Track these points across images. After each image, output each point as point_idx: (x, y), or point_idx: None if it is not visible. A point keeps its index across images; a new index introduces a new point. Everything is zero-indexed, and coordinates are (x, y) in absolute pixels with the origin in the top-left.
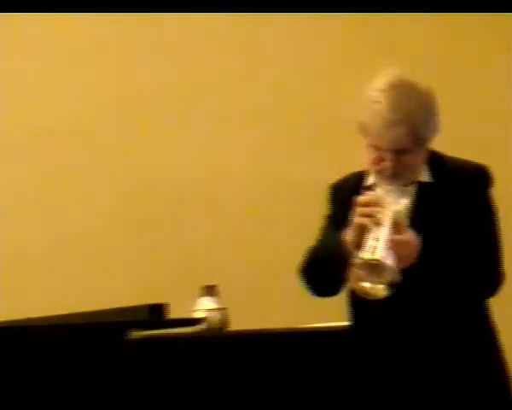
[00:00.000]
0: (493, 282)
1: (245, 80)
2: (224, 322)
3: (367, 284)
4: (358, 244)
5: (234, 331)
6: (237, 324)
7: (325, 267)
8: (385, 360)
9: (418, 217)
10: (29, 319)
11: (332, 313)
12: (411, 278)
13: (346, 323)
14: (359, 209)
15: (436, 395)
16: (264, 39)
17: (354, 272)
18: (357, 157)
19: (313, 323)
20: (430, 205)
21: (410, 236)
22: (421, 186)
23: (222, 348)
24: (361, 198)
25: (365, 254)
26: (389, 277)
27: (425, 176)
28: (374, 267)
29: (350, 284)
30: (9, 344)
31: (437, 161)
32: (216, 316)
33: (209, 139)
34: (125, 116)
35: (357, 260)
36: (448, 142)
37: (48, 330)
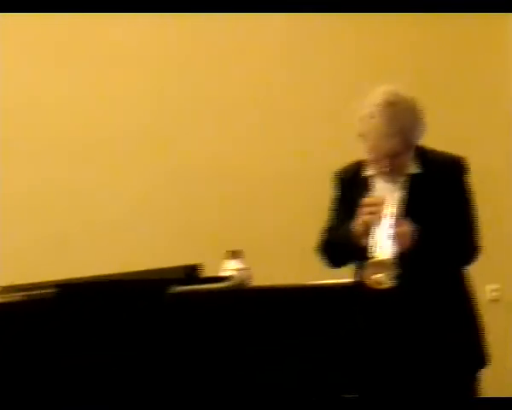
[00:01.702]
0: (472, 251)
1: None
2: (246, 279)
3: (376, 277)
4: (365, 235)
5: (255, 286)
6: (258, 281)
7: (339, 250)
8: (384, 311)
9: (411, 203)
10: (93, 276)
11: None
12: (409, 255)
13: (348, 280)
14: (365, 209)
15: (426, 339)
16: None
17: (366, 270)
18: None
19: (318, 280)
20: (421, 193)
21: (406, 226)
22: (412, 177)
23: (245, 300)
24: (366, 200)
25: (374, 255)
26: (392, 271)
27: (414, 168)
28: (381, 264)
29: (362, 278)
30: (77, 298)
31: (422, 154)
32: (240, 274)
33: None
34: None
35: (368, 262)
36: (445, 138)
37: (107, 285)
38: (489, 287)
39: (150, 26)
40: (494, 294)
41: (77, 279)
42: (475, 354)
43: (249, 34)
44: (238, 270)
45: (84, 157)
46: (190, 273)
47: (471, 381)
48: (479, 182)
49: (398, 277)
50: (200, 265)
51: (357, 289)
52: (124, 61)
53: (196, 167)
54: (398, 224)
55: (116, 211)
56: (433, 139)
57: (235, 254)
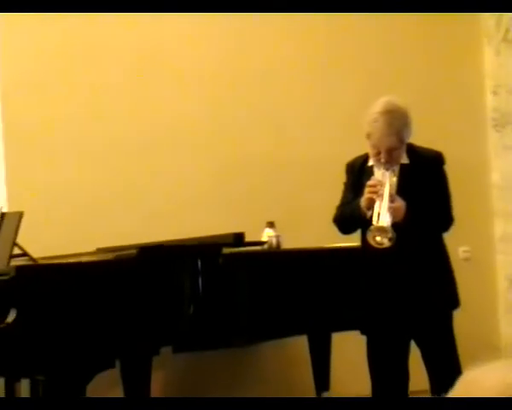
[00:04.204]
0: (448, 221)
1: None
2: (278, 243)
3: (378, 239)
4: (368, 208)
5: (285, 249)
6: (287, 245)
7: (349, 221)
8: (382, 265)
9: (402, 186)
10: (164, 241)
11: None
12: (401, 224)
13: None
14: (368, 189)
15: (414, 286)
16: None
17: (369, 233)
18: None
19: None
20: (410, 178)
21: (400, 202)
22: (403, 167)
23: (278, 259)
24: (369, 182)
25: (375, 222)
26: (390, 234)
27: (405, 159)
28: (381, 229)
29: (366, 239)
30: (153, 257)
31: (411, 150)
32: (274, 240)
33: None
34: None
35: (371, 227)
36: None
37: (176, 247)
38: (461, 248)
39: (194, 24)
40: (465, 254)
41: (153, 243)
42: (450, 298)
43: (281, 31)
44: (272, 236)
45: (147, 150)
46: (238, 238)
47: (448, 318)
48: (453, 170)
49: (394, 239)
50: (244, 233)
51: (362, 250)
52: (172, 57)
53: (244, 157)
54: (393, 200)
55: (179, 194)
56: (418, 137)
57: (269, 224)
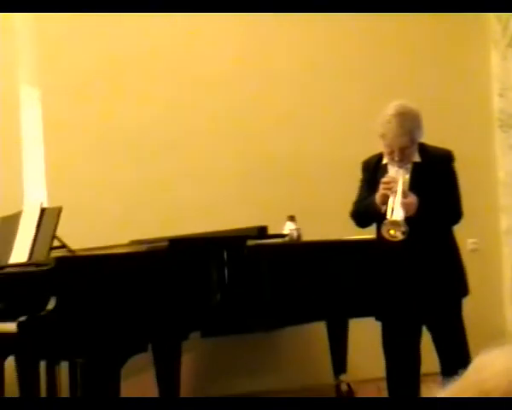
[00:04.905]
0: (457, 215)
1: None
2: (299, 236)
3: (391, 232)
4: (383, 203)
5: (305, 241)
6: (307, 237)
7: (365, 215)
8: (396, 256)
9: (415, 183)
10: (193, 233)
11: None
12: (414, 218)
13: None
14: (382, 185)
15: (426, 275)
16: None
17: (383, 227)
18: None
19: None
20: (421, 175)
21: (412, 198)
22: (415, 164)
23: (299, 250)
24: (383, 179)
25: (389, 217)
26: (403, 228)
27: (417, 158)
28: (395, 223)
29: (380, 233)
30: (182, 248)
31: (422, 148)
32: (295, 232)
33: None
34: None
35: (385, 221)
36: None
37: (204, 239)
38: (469, 240)
39: (215, 24)
40: (473, 245)
41: (182, 236)
42: (460, 286)
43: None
44: (293, 229)
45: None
46: (261, 231)
47: (457, 305)
48: (462, 168)
49: (406, 232)
50: (267, 226)
51: (377, 242)
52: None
53: (268, 156)
54: (406, 196)
55: (207, 190)
56: (429, 137)
57: (291, 218)
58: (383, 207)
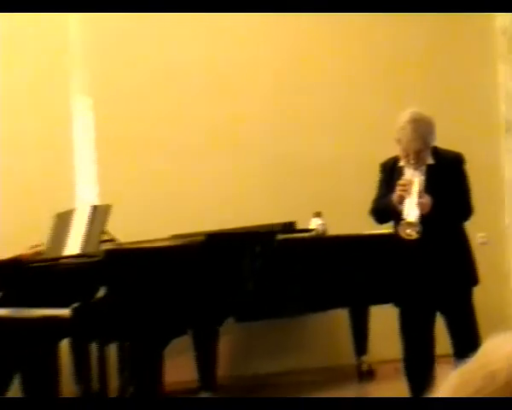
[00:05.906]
0: (467, 212)
1: None
2: (324, 230)
3: (407, 232)
4: (400, 203)
5: (330, 235)
6: (331, 232)
7: (383, 213)
8: (414, 250)
9: (429, 183)
10: (227, 228)
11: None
12: (428, 215)
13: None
14: (399, 187)
15: (439, 268)
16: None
17: (400, 227)
18: None
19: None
20: (434, 176)
21: (427, 198)
22: (429, 166)
23: (324, 244)
24: (400, 181)
25: (406, 217)
26: (418, 228)
27: (430, 160)
28: (410, 224)
29: (397, 232)
30: (217, 242)
31: (435, 152)
32: (320, 227)
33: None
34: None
35: (402, 222)
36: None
37: (237, 234)
38: (479, 234)
39: (242, 26)
40: (482, 239)
41: (218, 230)
42: (470, 276)
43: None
44: (319, 225)
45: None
46: (290, 226)
47: (468, 293)
48: (472, 169)
49: (421, 232)
50: (295, 221)
51: (395, 236)
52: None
53: (297, 157)
54: (421, 196)
55: (241, 188)
56: (442, 141)
57: (317, 214)
58: (400, 207)
